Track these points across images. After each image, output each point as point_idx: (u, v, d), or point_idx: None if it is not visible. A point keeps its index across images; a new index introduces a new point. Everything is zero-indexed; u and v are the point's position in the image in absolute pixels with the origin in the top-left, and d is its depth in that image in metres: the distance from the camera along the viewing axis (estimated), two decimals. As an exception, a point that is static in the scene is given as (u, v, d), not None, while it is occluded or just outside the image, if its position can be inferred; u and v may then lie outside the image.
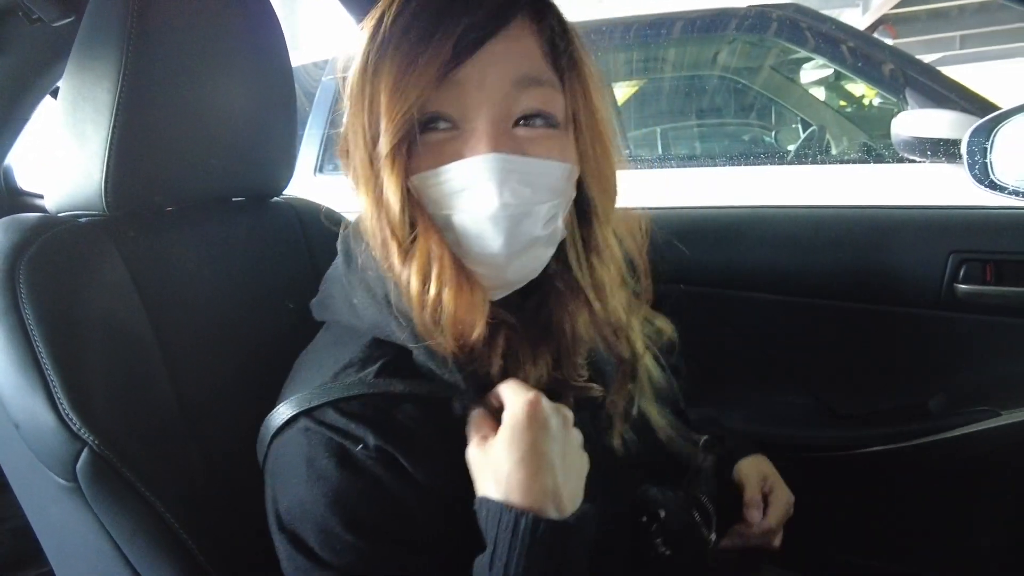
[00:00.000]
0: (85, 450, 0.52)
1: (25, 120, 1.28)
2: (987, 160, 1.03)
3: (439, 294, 0.48)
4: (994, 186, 1.03)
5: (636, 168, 2.01)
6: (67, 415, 0.52)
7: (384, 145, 0.49)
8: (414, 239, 0.49)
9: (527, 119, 0.51)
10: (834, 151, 2.12)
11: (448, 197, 0.50)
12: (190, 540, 0.54)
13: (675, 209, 1.20)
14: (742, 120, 2.54)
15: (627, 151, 2.31)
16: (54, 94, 1.26)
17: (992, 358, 1.01)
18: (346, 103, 0.53)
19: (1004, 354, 1.00)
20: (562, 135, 0.53)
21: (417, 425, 0.50)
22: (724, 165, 1.86)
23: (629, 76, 2.54)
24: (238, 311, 0.71)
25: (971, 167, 1.05)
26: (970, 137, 1.05)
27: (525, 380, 0.52)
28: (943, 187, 1.39)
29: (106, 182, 0.62)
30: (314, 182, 2.04)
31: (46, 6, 0.96)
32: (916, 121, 1.56)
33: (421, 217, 0.49)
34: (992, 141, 1.04)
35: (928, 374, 1.05)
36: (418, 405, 0.51)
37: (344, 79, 0.54)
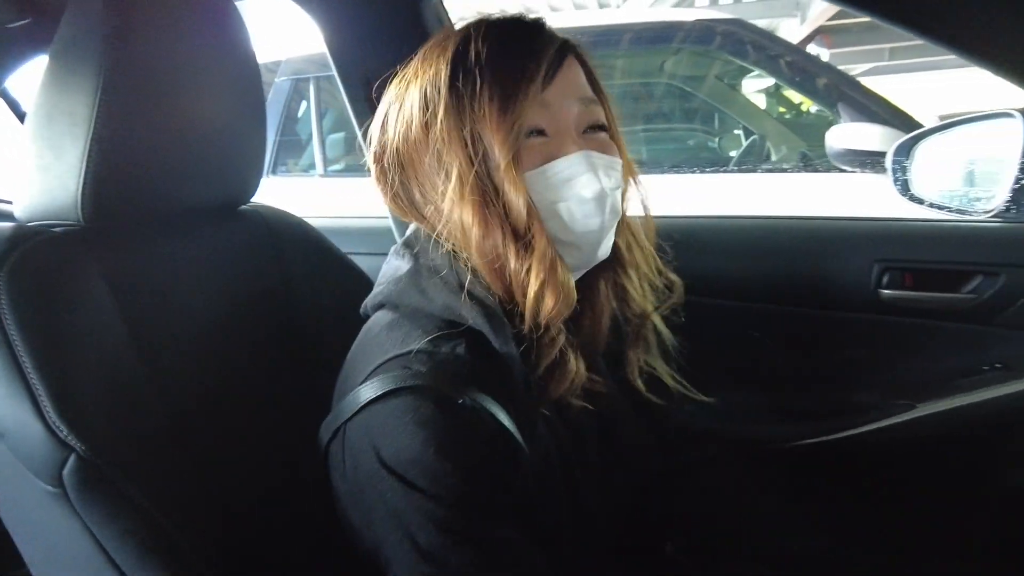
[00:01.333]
0: (72, 456, 0.53)
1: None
2: (907, 176, 1.13)
3: (544, 281, 0.59)
4: (914, 199, 1.14)
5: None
6: (54, 423, 0.53)
7: (502, 157, 0.59)
8: (531, 238, 0.60)
9: (591, 128, 0.65)
10: (774, 157, 2.23)
11: (557, 187, 0.61)
12: (182, 540, 0.55)
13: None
14: (687, 126, 2.64)
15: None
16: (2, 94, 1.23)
17: (911, 356, 1.10)
18: (437, 139, 0.60)
19: (921, 353, 1.10)
20: (609, 138, 0.67)
21: (504, 386, 0.59)
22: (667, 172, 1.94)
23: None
24: (216, 318, 0.73)
25: (895, 182, 1.15)
26: (893, 155, 1.14)
27: (569, 362, 0.63)
28: (870, 195, 1.50)
29: (83, 193, 0.63)
30: (267, 183, 2.02)
31: (1, 7, 0.95)
32: (848, 134, 1.68)
33: (534, 221, 0.60)
34: (911, 158, 1.14)
35: (857, 372, 1.14)
36: (503, 371, 0.60)
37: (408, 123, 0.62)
